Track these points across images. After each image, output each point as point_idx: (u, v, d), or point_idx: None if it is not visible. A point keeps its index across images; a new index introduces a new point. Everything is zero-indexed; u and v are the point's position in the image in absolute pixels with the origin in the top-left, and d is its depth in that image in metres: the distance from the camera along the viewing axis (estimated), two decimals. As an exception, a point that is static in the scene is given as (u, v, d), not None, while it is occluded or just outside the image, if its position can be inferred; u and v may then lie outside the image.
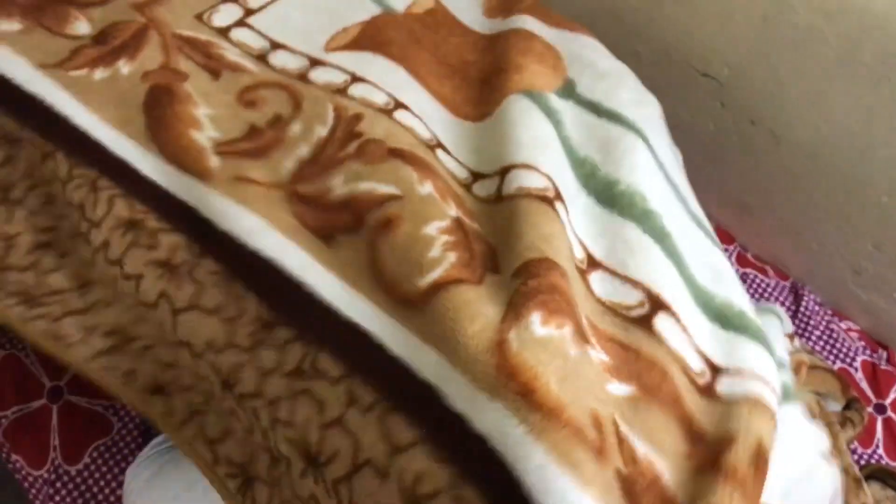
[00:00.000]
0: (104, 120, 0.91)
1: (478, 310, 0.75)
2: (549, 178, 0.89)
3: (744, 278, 1.34)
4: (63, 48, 0.96)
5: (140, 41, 0.97)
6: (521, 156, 0.91)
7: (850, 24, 1.06)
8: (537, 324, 0.74)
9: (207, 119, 0.93)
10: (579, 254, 0.88)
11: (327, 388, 0.78)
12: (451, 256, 0.79)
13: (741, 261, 1.38)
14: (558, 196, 0.88)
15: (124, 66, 0.95)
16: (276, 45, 1.02)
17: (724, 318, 0.88)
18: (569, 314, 0.76)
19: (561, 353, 0.73)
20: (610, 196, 0.93)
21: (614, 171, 0.95)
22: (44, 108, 0.91)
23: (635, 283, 0.86)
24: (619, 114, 1.00)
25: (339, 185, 0.87)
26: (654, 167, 0.98)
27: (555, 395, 0.70)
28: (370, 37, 1.05)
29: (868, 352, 1.27)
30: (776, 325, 1.01)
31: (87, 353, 0.91)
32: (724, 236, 1.39)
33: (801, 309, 1.31)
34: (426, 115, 0.98)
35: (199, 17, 1.03)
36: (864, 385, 1.24)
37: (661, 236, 0.91)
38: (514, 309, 0.75)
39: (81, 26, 0.99)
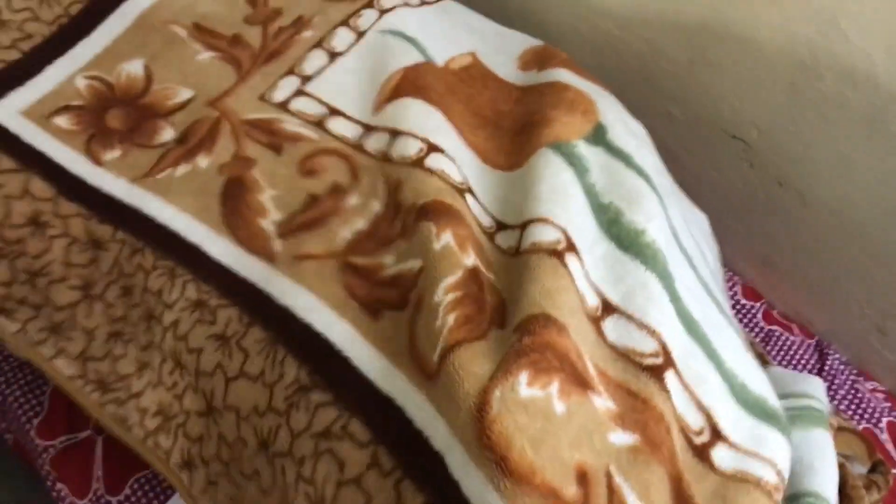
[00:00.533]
0: (182, 210, 1.01)
1: (472, 369, 0.78)
2: (563, 230, 0.91)
3: (769, 335, 1.36)
4: (153, 157, 1.06)
5: (215, 134, 1.06)
6: (539, 210, 0.94)
7: (875, 94, 1.09)
8: (523, 385, 0.76)
9: (272, 202, 1.00)
10: (593, 301, 0.89)
11: (353, 450, 0.82)
12: (451, 318, 0.83)
13: (767, 318, 1.40)
14: (571, 247, 0.90)
15: (202, 160, 1.04)
16: (333, 111, 1.08)
17: (745, 401, 0.89)
18: (558, 370, 0.78)
19: (543, 413, 0.75)
20: (634, 244, 0.94)
21: (641, 221, 0.95)
22: (137, 214, 1.02)
23: (652, 332, 0.87)
24: (646, 174, 1.02)
25: (390, 263, 0.93)
26: (669, 235, 0.99)
27: (528, 461, 0.72)
28: (411, 81, 1.10)
29: (894, 413, 1.28)
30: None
31: (140, 434, 0.97)
32: (750, 293, 1.42)
33: (826, 368, 1.33)
34: (459, 159, 1.02)
35: (262, 97, 1.10)
36: (890, 447, 1.24)
37: (674, 298, 0.92)
38: (502, 368, 0.77)
39: (167, 133, 1.08)
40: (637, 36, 1.37)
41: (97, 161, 1.07)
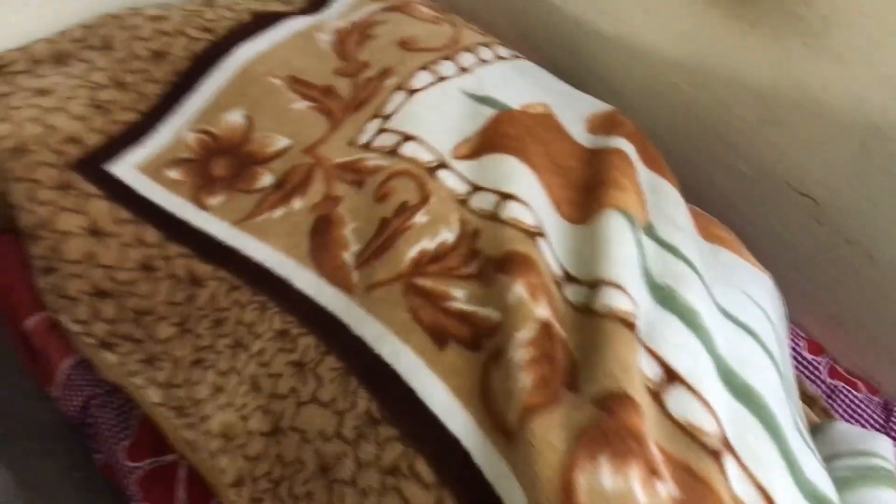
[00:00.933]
0: (276, 249, 1.08)
1: (551, 440, 0.80)
2: (634, 301, 0.95)
3: (834, 391, 1.36)
4: (253, 202, 1.14)
5: (309, 179, 1.13)
6: (613, 273, 0.97)
7: (946, 158, 1.11)
8: (607, 473, 0.78)
9: (352, 234, 1.07)
10: (654, 372, 0.90)
11: (417, 492, 0.85)
12: (527, 379, 0.85)
13: (832, 373, 1.40)
14: (636, 314, 0.94)
15: (297, 202, 1.11)
16: (407, 137, 1.14)
17: (800, 482, 0.89)
18: (637, 456, 0.79)
19: None
20: (691, 322, 0.97)
21: (695, 303, 0.99)
22: (237, 255, 1.09)
23: (709, 407, 0.88)
24: (692, 264, 1.06)
25: (461, 298, 0.97)
26: (719, 315, 1.03)
27: None
28: (488, 139, 1.15)
29: (961, 474, 1.27)
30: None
31: (205, 455, 1.03)
32: (816, 348, 1.42)
33: (892, 425, 1.32)
34: (534, 201, 1.06)
35: (350, 142, 1.17)
36: (956, 506, 1.23)
37: (729, 376, 0.94)
38: (584, 449, 0.79)
39: (266, 179, 1.16)
40: (707, 94, 1.41)
41: (202, 206, 1.15)
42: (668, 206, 1.15)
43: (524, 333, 0.89)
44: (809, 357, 1.40)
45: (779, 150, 1.34)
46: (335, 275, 1.04)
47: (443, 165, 1.11)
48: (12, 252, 1.31)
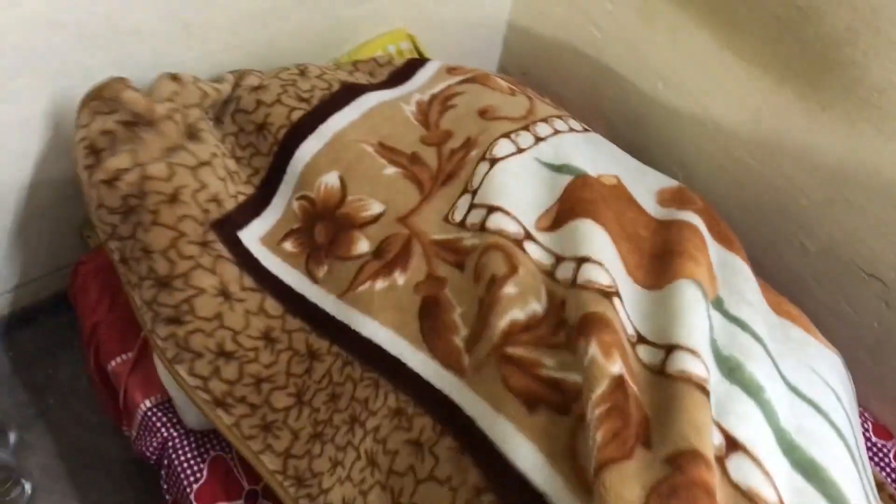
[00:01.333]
0: (384, 324, 1.12)
1: (622, 493, 0.84)
2: (707, 367, 0.98)
3: (900, 476, 1.35)
4: (352, 270, 1.18)
5: (408, 253, 1.17)
6: (688, 339, 1.00)
7: None
8: None
9: (460, 319, 1.10)
10: (717, 439, 0.94)
11: None
12: (599, 436, 0.89)
13: (899, 458, 1.39)
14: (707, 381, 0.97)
15: (399, 277, 1.15)
16: (493, 209, 1.17)
17: None
18: None
19: None
20: (755, 395, 1.00)
21: (759, 377, 1.02)
22: (347, 329, 1.14)
23: (773, 483, 0.92)
24: (761, 339, 1.09)
25: (552, 366, 1.01)
26: (785, 391, 1.05)
27: None
28: (566, 206, 1.19)
29: None
30: None
31: None
32: (882, 432, 1.41)
33: (958, 513, 1.30)
34: (608, 261, 1.09)
35: (445, 218, 1.20)
36: None
37: (790, 449, 0.97)
38: (657, 501, 0.84)
39: (363, 245, 1.20)
40: (775, 171, 1.43)
41: (314, 279, 1.20)
42: (738, 280, 1.17)
43: (598, 391, 0.93)
44: (875, 440, 1.39)
45: (847, 231, 1.35)
46: (448, 359, 1.08)
47: (528, 237, 1.14)
48: (104, 291, 1.38)
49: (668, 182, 1.36)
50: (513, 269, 1.08)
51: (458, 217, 1.19)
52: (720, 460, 0.92)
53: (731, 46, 1.41)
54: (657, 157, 1.62)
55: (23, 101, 1.29)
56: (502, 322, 1.04)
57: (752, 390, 1.00)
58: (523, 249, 1.12)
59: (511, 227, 1.14)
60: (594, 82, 1.75)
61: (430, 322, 1.11)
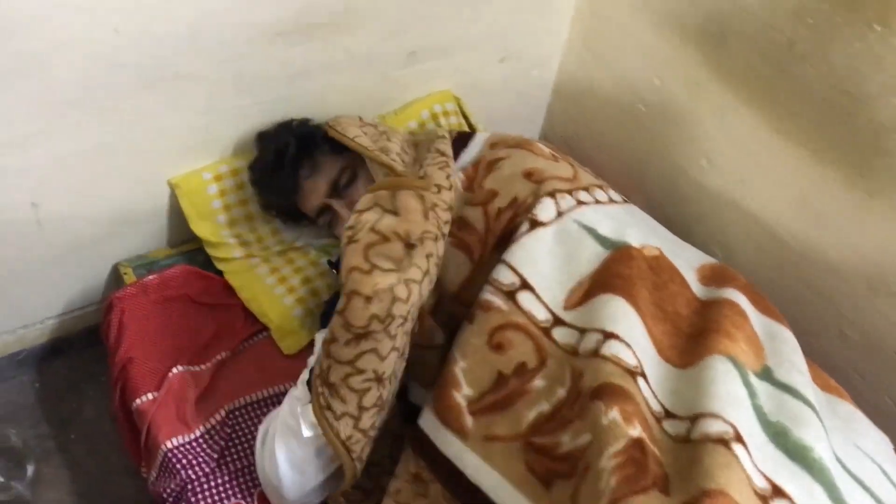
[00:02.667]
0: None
1: None
2: (732, 426, 0.96)
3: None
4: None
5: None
6: (712, 407, 0.99)
7: None
8: None
9: (463, 374, 1.09)
10: (761, 483, 0.93)
11: None
12: (614, 480, 0.89)
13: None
14: (738, 438, 0.95)
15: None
16: (524, 284, 1.15)
17: None
18: None
19: None
20: (803, 457, 0.98)
21: (809, 439, 0.99)
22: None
23: None
24: (812, 405, 1.06)
25: (567, 441, 1.00)
26: (833, 458, 1.03)
27: None
28: (601, 278, 1.16)
29: None
30: None
31: None
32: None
33: None
34: (636, 343, 1.07)
35: (488, 281, 1.18)
36: None
37: None
38: None
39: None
40: (817, 256, 1.42)
41: None
42: (787, 350, 1.15)
43: (615, 447, 0.92)
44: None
45: (891, 322, 1.32)
46: (447, 415, 1.07)
47: (557, 322, 1.13)
48: (140, 329, 1.39)
49: (708, 259, 1.35)
50: (541, 361, 1.08)
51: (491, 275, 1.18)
52: (765, 499, 0.91)
53: (779, 129, 1.41)
54: (697, 236, 1.61)
55: (75, 137, 1.32)
56: (531, 414, 1.04)
57: (801, 452, 0.99)
58: (552, 337, 1.11)
59: (540, 314, 1.13)
60: (636, 156, 1.75)
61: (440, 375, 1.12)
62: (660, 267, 1.24)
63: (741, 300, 1.20)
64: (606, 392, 0.99)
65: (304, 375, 1.16)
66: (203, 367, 1.37)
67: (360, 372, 1.04)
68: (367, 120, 1.47)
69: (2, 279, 1.46)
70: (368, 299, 1.02)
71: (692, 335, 1.15)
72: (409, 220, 1.14)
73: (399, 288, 1.04)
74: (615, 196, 1.40)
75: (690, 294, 1.23)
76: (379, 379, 1.06)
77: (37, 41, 1.17)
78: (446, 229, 1.20)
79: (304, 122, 1.50)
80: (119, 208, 1.48)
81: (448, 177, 1.26)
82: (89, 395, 1.62)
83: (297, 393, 1.15)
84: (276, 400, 1.32)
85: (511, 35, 1.73)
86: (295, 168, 1.42)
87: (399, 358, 1.09)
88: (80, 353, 1.66)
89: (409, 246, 1.11)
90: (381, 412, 1.10)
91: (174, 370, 1.33)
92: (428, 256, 1.12)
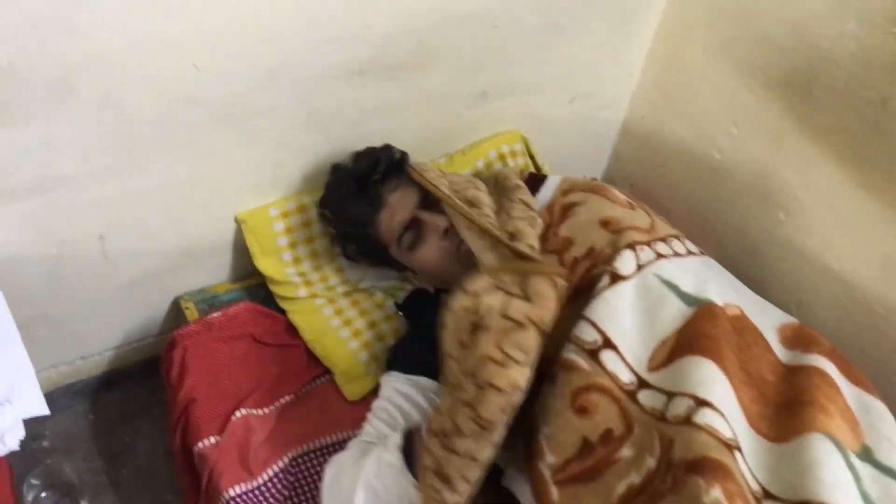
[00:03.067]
0: None
1: None
2: None
3: None
4: None
5: None
6: (821, 494, 0.93)
7: None
8: None
9: (546, 441, 1.05)
10: None
11: None
12: None
13: None
14: None
15: None
16: (606, 343, 1.11)
17: None
18: None
19: None
20: None
21: None
22: None
23: None
24: None
25: None
26: None
27: None
28: (686, 338, 1.11)
29: None
30: None
31: None
32: None
33: None
34: (729, 413, 1.02)
35: (569, 338, 1.14)
36: None
37: None
38: None
39: None
40: (903, 320, 1.36)
41: None
42: (885, 426, 1.09)
43: None
44: None
45: None
46: (534, 487, 1.04)
47: (642, 385, 1.09)
48: (205, 369, 1.36)
49: (788, 318, 1.29)
50: (628, 428, 1.03)
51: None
52: None
53: (866, 186, 1.36)
54: (771, 291, 1.55)
55: (147, 171, 1.30)
56: (620, 486, 0.99)
57: None
58: (637, 401, 1.06)
59: (624, 375, 1.09)
60: (708, 204, 1.71)
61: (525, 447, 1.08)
62: (742, 327, 1.19)
63: (829, 368, 1.15)
64: (705, 467, 0.93)
65: (397, 440, 1.11)
66: (266, 410, 1.34)
67: (478, 463, 1.02)
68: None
69: (65, 310, 1.44)
70: (501, 392, 1.01)
71: (782, 405, 1.10)
72: (543, 308, 1.10)
73: (525, 381, 1.02)
74: (692, 247, 1.35)
75: (774, 358, 1.18)
76: (485, 465, 1.04)
77: (118, 76, 1.15)
78: None
79: (389, 147, 1.47)
80: (184, 242, 1.46)
81: (537, 237, 1.23)
82: (142, 430, 1.60)
83: (390, 458, 1.09)
84: (341, 447, 1.29)
85: (582, 76, 1.70)
86: (383, 181, 1.39)
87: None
88: (135, 385, 1.64)
89: (544, 335, 1.07)
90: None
91: (237, 413, 1.30)
92: None
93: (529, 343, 1.05)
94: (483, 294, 1.12)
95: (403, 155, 1.45)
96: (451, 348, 1.10)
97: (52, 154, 1.19)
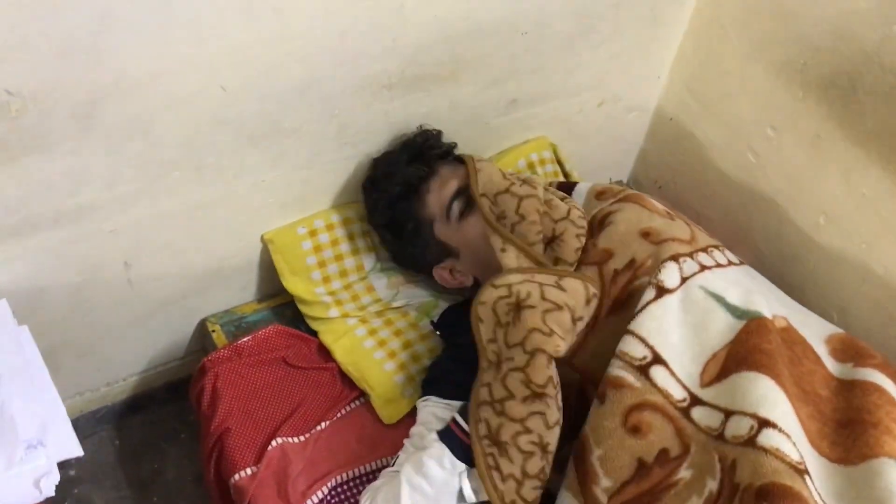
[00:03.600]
0: None
1: None
2: None
3: None
4: None
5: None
6: None
7: None
8: None
9: (600, 464, 1.02)
10: None
11: None
12: None
13: None
14: None
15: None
16: (656, 359, 1.07)
17: None
18: None
19: None
20: None
21: None
22: None
23: None
24: None
25: None
26: None
27: None
28: (739, 353, 1.08)
29: None
30: None
31: None
32: None
33: None
34: (793, 433, 0.99)
35: (617, 355, 1.11)
36: None
37: None
38: None
39: None
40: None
41: None
42: None
43: None
44: None
45: None
46: None
47: (695, 401, 1.05)
48: (238, 397, 1.32)
49: (834, 329, 1.26)
50: (685, 448, 1.01)
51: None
52: None
53: (913, 191, 1.32)
54: (810, 297, 1.51)
55: (174, 195, 1.26)
56: None
57: None
58: (692, 419, 1.03)
59: (676, 392, 1.06)
60: (744, 207, 1.66)
61: (578, 467, 1.07)
62: (792, 340, 1.16)
63: (887, 384, 1.12)
64: (778, 495, 0.91)
65: (433, 436, 1.12)
66: (303, 438, 1.30)
67: (529, 432, 1.05)
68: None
69: (91, 338, 1.40)
70: (551, 359, 1.08)
71: (841, 423, 1.07)
72: (574, 299, 1.14)
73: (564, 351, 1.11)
74: (732, 257, 1.31)
75: (826, 372, 1.15)
76: (543, 448, 1.06)
77: (145, 101, 1.10)
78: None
79: (440, 132, 1.45)
80: (210, 263, 1.42)
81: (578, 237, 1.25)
82: (170, 455, 1.56)
83: (430, 449, 1.10)
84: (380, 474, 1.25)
85: (611, 79, 1.65)
86: (430, 154, 1.38)
87: (561, 438, 1.08)
88: (160, 408, 1.60)
89: (574, 321, 1.13)
90: (539, 490, 1.06)
91: (274, 443, 1.26)
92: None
93: (566, 324, 1.11)
94: (514, 285, 1.14)
95: (453, 144, 1.44)
96: (489, 334, 1.13)
97: (76, 183, 1.15)
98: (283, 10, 1.11)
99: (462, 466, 1.08)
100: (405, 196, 1.34)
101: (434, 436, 1.11)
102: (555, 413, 1.06)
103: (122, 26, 1.00)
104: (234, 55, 1.12)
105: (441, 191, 1.32)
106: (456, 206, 1.31)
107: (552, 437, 1.06)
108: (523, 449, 1.05)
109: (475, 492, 1.07)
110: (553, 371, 1.07)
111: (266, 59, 1.16)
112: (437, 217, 1.33)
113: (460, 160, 1.38)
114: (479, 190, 1.28)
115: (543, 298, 1.11)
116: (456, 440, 1.09)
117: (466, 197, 1.30)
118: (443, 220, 1.32)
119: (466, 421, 1.09)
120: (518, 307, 1.11)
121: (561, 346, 1.09)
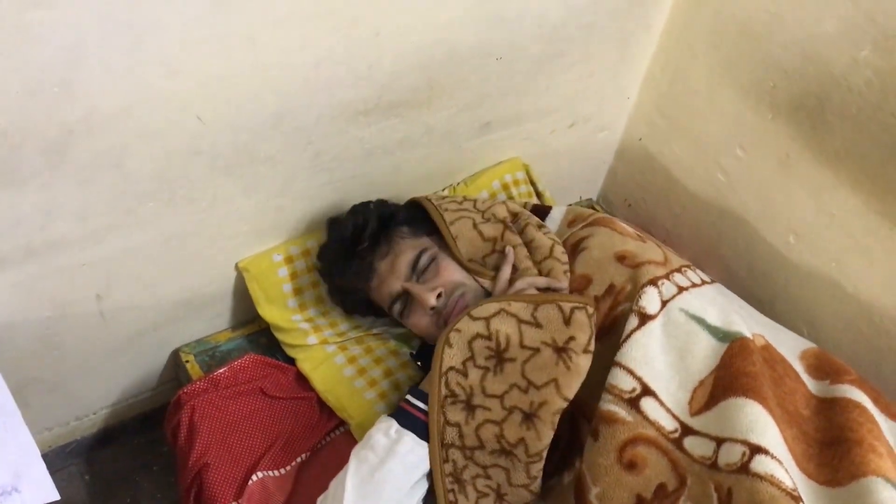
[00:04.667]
0: None
1: None
2: None
3: None
4: None
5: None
6: None
7: None
8: None
9: (598, 502, 1.02)
10: None
11: None
12: None
13: None
14: None
15: None
16: (646, 391, 1.07)
17: None
18: None
19: None
20: None
21: None
22: None
23: None
24: None
25: None
26: None
27: None
28: (726, 378, 1.08)
29: None
30: None
31: None
32: None
33: None
34: (783, 458, 0.99)
35: (606, 389, 1.11)
36: None
37: None
38: None
39: None
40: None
41: None
42: None
43: None
44: None
45: None
46: None
47: (686, 431, 1.06)
48: (216, 429, 1.30)
49: (807, 343, 1.27)
50: (681, 480, 1.01)
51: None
52: None
53: (880, 211, 1.35)
54: (782, 314, 1.53)
55: (147, 227, 1.23)
56: None
57: None
58: (685, 450, 1.03)
59: (667, 423, 1.06)
60: (714, 226, 1.68)
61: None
62: (773, 359, 1.17)
63: (864, 401, 1.13)
64: None
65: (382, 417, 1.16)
66: (283, 471, 1.28)
67: (489, 478, 1.12)
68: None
69: (61, 372, 1.37)
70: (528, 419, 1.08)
71: (825, 443, 1.08)
72: (550, 332, 1.12)
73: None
74: (704, 276, 1.32)
75: (806, 390, 1.16)
76: (500, 496, 1.12)
77: (117, 135, 1.07)
78: None
79: (383, 203, 1.41)
80: (183, 293, 1.39)
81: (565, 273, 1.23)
82: (144, 487, 1.53)
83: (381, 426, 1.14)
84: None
85: (582, 100, 1.66)
86: (373, 248, 1.31)
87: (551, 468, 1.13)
88: (132, 440, 1.57)
89: (559, 350, 1.11)
90: None
91: (254, 477, 1.24)
92: None
93: (548, 362, 1.10)
94: (494, 320, 1.13)
95: (397, 210, 1.38)
96: (457, 364, 1.13)
97: (47, 218, 1.12)
98: (256, 41, 1.09)
99: (408, 432, 1.11)
100: (352, 290, 1.36)
101: (383, 416, 1.15)
102: (521, 476, 1.10)
103: (92, 62, 0.97)
104: (207, 87, 1.10)
105: (381, 292, 1.31)
106: (396, 308, 1.30)
107: (513, 496, 1.12)
108: (479, 489, 1.13)
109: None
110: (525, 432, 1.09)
111: (240, 90, 1.14)
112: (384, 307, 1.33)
113: (426, 220, 1.35)
114: (465, 258, 1.28)
115: (522, 346, 1.12)
116: (409, 415, 1.13)
117: (406, 298, 1.28)
118: (389, 311, 1.33)
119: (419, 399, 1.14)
120: (500, 358, 1.12)
121: (535, 400, 1.09)
